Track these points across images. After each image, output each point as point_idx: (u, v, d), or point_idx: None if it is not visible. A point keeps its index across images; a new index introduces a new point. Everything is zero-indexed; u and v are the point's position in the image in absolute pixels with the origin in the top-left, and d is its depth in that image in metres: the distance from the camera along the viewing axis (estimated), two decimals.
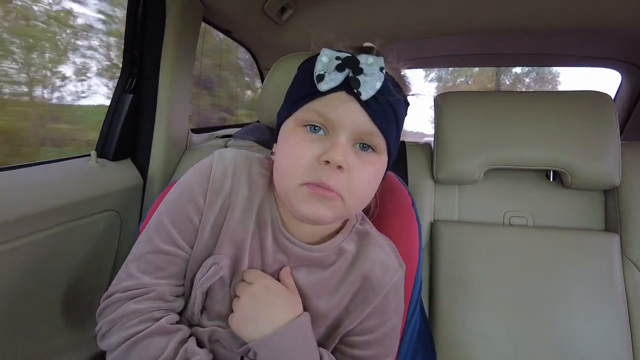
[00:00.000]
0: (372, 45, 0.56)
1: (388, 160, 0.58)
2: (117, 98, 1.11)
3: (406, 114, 0.59)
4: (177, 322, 0.59)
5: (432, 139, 1.13)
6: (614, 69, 1.80)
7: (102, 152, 1.10)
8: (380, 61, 0.51)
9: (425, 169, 1.12)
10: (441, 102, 1.09)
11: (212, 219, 0.58)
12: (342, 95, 0.51)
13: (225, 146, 1.32)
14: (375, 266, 0.60)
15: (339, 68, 0.50)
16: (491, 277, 0.99)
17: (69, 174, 0.95)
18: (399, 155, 1.13)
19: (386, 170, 0.60)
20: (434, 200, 1.11)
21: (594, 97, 1.02)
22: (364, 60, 0.50)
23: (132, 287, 0.56)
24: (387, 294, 0.60)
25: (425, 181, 1.11)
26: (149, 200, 1.15)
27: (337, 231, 0.63)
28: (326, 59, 0.51)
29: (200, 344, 0.58)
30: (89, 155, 1.03)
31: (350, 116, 0.51)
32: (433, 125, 1.12)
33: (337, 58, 0.51)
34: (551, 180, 1.08)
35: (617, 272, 0.95)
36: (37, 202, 0.82)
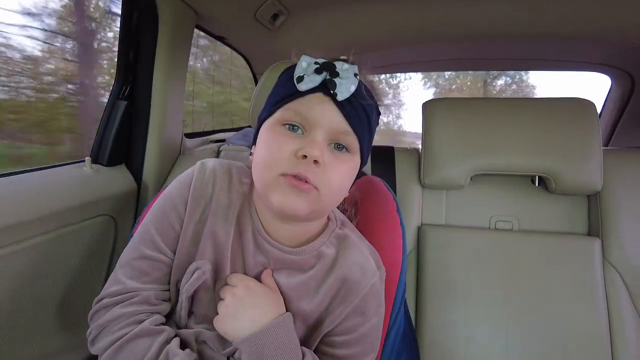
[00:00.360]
0: (347, 58, 0.60)
1: (360, 163, 0.62)
2: (111, 105, 1.14)
3: (377, 122, 0.63)
4: (165, 324, 0.61)
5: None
6: (604, 73, 1.83)
7: (96, 158, 1.12)
8: (355, 68, 0.55)
9: (413, 174, 1.14)
10: (428, 109, 1.12)
11: (193, 225, 0.61)
12: (319, 95, 0.55)
13: (219, 150, 1.34)
14: (354, 269, 0.62)
15: (317, 71, 0.55)
16: (477, 280, 1.02)
17: (64, 179, 0.97)
18: (387, 161, 1.16)
19: (359, 174, 0.63)
20: (421, 204, 1.13)
21: (578, 104, 1.04)
22: (340, 66, 0.55)
23: (119, 292, 0.59)
24: (366, 295, 0.62)
25: (413, 186, 1.14)
26: (143, 204, 1.17)
27: (317, 235, 0.65)
28: (305, 64, 0.56)
29: (187, 345, 0.61)
30: (84, 161, 1.06)
31: (326, 115, 0.55)
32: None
33: (316, 63, 0.55)
34: (536, 185, 1.11)
35: (598, 275, 0.98)
36: (33, 208, 0.84)
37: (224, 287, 0.60)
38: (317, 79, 0.54)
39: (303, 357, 0.57)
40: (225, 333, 0.57)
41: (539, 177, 1.09)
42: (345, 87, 0.54)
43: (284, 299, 0.61)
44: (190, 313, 0.63)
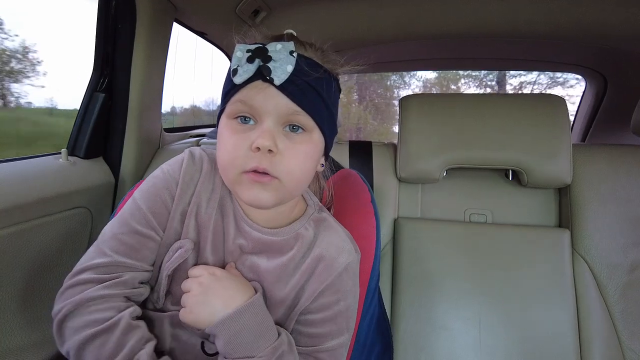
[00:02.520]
0: (290, 32, 0.60)
1: (326, 138, 0.61)
2: (88, 97, 1.13)
3: (337, 90, 0.62)
4: (142, 306, 0.61)
5: None
6: (578, 74, 1.88)
7: (73, 150, 1.11)
8: (289, 45, 0.54)
9: (389, 168, 1.16)
10: (405, 104, 1.14)
11: (182, 207, 0.62)
12: (258, 83, 0.54)
13: (198, 145, 1.35)
14: (330, 248, 0.64)
15: (249, 60, 0.54)
16: (451, 271, 1.04)
17: (39, 170, 0.96)
18: (365, 155, 1.18)
19: (328, 152, 0.64)
20: (397, 198, 1.15)
21: (549, 101, 1.08)
22: (273, 47, 0.54)
23: (104, 265, 0.57)
24: (341, 273, 0.63)
25: (389, 180, 1.16)
26: (120, 198, 1.16)
27: (295, 219, 0.66)
28: (240, 54, 0.55)
29: (162, 329, 0.61)
30: (60, 153, 1.05)
31: (270, 101, 0.54)
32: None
33: (248, 51, 0.54)
34: (510, 179, 1.14)
35: (567, 265, 1.01)
36: (6, 197, 0.83)
37: (185, 280, 0.60)
38: (251, 69, 0.54)
39: (278, 335, 0.58)
40: (196, 322, 0.57)
41: (512, 171, 1.12)
42: (281, 70, 0.53)
43: (262, 282, 0.62)
44: (167, 293, 0.63)
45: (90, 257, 0.58)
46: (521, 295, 1.00)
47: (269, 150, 0.54)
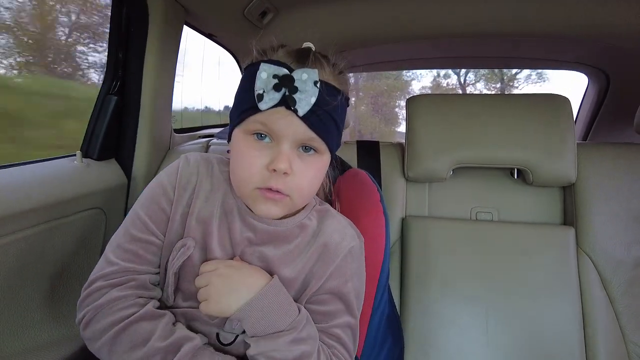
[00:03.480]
0: (310, 47, 0.63)
1: (332, 154, 0.66)
2: (101, 100, 1.15)
3: (346, 110, 0.66)
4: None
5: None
6: (580, 72, 1.89)
7: (87, 152, 1.13)
8: (314, 74, 0.57)
9: (397, 167, 1.19)
10: (412, 104, 1.16)
11: (181, 208, 0.66)
12: (281, 110, 0.57)
13: (208, 146, 1.37)
14: (334, 234, 0.69)
15: (276, 87, 0.56)
16: (459, 269, 1.06)
17: (55, 173, 0.99)
18: (373, 155, 1.20)
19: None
20: (405, 197, 1.18)
21: (554, 100, 1.09)
22: (299, 76, 0.56)
23: (114, 272, 0.61)
24: (346, 256, 0.68)
25: (397, 179, 1.18)
26: (133, 198, 1.18)
27: (299, 212, 0.70)
28: (265, 75, 0.57)
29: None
30: (75, 155, 1.07)
31: (290, 128, 0.58)
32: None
33: (275, 76, 0.57)
34: (515, 177, 1.16)
35: (572, 262, 1.03)
36: (23, 200, 0.85)
37: (199, 276, 0.62)
38: (277, 97, 0.56)
39: (299, 311, 0.61)
40: (222, 311, 0.59)
41: (518, 170, 1.14)
42: (306, 102, 0.56)
43: (270, 268, 0.65)
44: (177, 291, 0.66)
45: (101, 267, 0.62)
46: (527, 292, 1.03)
47: (284, 172, 0.58)
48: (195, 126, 1.77)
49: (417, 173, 1.13)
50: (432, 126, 1.12)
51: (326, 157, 0.64)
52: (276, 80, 0.56)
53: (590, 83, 1.91)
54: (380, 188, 0.90)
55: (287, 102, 0.56)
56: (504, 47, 1.72)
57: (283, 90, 0.56)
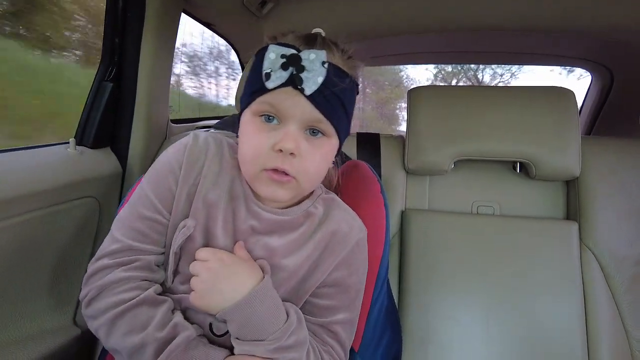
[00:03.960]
0: (319, 32, 0.63)
1: (340, 139, 0.64)
2: (96, 86, 1.13)
3: (356, 95, 0.65)
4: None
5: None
6: (584, 68, 1.87)
7: (81, 140, 1.11)
8: (322, 55, 0.56)
9: (397, 160, 1.16)
10: (413, 96, 1.14)
11: (187, 187, 0.64)
12: (289, 90, 0.56)
13: None
14: (342, 224, 0.68)
15: (284, 66, 0.56)
16: (459, 263, 1.04)
17: (48, 160, 0.97)
18: (373, 147, 1.18)
19: (339, 148, 0.66)
20: (405, 190, 1.16)
21: (558, 93, 1.07)
22: (306, 56, 0.56)
23: (119, 250, 0.60)
24: (353, 248, 0.67)
25: (397, 172, 1.16)
26: (128, 188, 1.17)
27: (305, 199, 0.69)
28: (273, 55, 0.56)
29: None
30: (68, 142, 1.05)
31: (298, 108, 0.57)
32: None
33: (282, 56, 0.56)
34: (517, 171, 1.14)
35: (575, 257, 1.01)
36: (15, 186, 0.84)
37: (193, 262, 0.61)
38: (284, 75, 0.56)
39: (287, 315, 0.60)
40: (207, 307, 0.58)
41: (520, 164, 1.12)
42: (313, 81, 0.56)
43: (274, 257, 0.64)
44: (176, 272, 0.64)
45: (107, 244, 0.62)
46: (529, 287, 1.01)
47: (291, 152, 0.57)
48: (192, 117, 1.75)
49: (417, 165, 1.11)
50: (434, 118, 1.10)
51: (334, 142, 0.63)
52: (284, 60, 0.56)
53: (594, 79, 1.89)
54: (380, 179, 0.88)
55: (294, 82, 0.55)
56: (508, 43, 1.70)
57: (290, 69, 0.56)
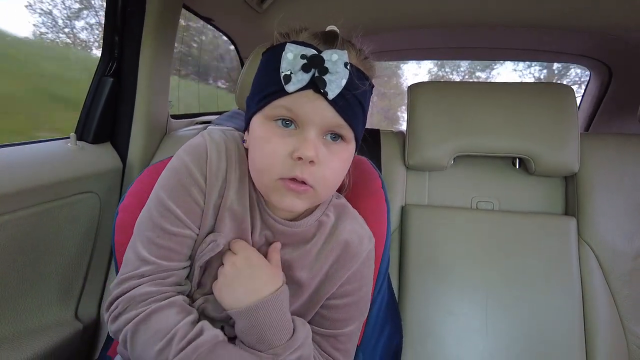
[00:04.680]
0: (335, 30, 0.58)
1: (357, 144, 0.61)
2: (97, 81, 1.12)
3: (371, 96, 0.61)
4: None
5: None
6: (583, 65, 1.87)
7: (81, 135, 1.11)
8: (344, 56, 0.52)
9: (397, 155, 1.17)
10: (413, 92, 1.14)
11: (214, 200, 0.60)
12: (309, 93, 0.53)
13: None
14: (353, 236, 0.65)
15: (305, 68, 0.52)
16: (458, 258, 1.05)
17: (48, 155, 0.97)
18: (373, 143, 1.18)
19: (355, 152, 0.63)
20: (405, 185, 1.16)
21: (557, 89, 1.08)
22: (329, 57, 0.52)
23: (150, 272, 0.57)
24: (364, 261, 0.65)
25: (397, 167, 1.16)
26: (128, 183, 1.16)
27: (316, 207, 0.66)
28: (292, 56, 0.52)
29: None
30: (69, 137, 1.05)
31: (318, 113, 0.53)
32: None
33: (303, 56, 0.52)
34: (517, 167, 1.14)
35: (574, 252, 1.02)
36: (16, 181, 0.84)
37: (227, 252, 0.60)
38: (306, 78, 0.52)
39: (294, 330, 0.58)
40: (221, 300, 0.58)
41: (519, 159, 1.13)
42: (336, 84, 0.52)
43: (287, 269, 0.62)
44: (199, 284, 0.63)
45: (134, 266, 0.57)
46: (527, 281, 1.02)
47: (311, 160, 0.53)
48: (191, 112, 1.75)
49: (417, 161, 1.12)
50: (434, 114, 1.11)
51: (352, 147, 0.60)
52: (304, 61, 0.52)
53: (593, 76, 1.89)
54: (382, 175, 0.89)
55: (317, 84, 0.51)
56: (505, 39, 1.70)
57: (312, 71, 0.51)
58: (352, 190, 0.81)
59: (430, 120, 1.11)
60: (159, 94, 1.23)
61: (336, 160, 0.57)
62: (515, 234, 1.05)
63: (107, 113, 1.13)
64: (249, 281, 0.57)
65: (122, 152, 1.18)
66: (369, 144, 1.18)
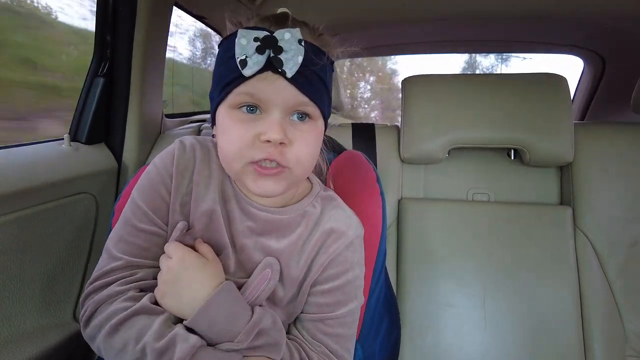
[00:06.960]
0: (286, 11, 0.58)
1: (325, 122, 0.61)
2: (89, 82, 1.12)
3: (332, 72, 0.61)
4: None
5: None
6: (576, 55, 1.88)
7: (75, 136, 1.11)
8: (297, 33, 0.52)
9: (393, 149, 1.17)
10: (408, 85, 1.14)
11: (180, 197, 0.61)
12: (268, 75, 0.52)
13: (200, 130, 1.34)
14: (339, 222, 0.65)
15: (259, 50, 0.51)
16: (455, 250, 1.06)
17: (43, 156, 0.96)
18: (368, 137, 1.18)
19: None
20: (401, 179, 1.16)
21: (551, 79, 1.08)
22: (281, 36, 0.52)
23: (118, 268, 0.57)
24: (349, 246, 0.64)
25: (392, 161, 1.16)
26: (123, 183, 1.16)
27: (302, 198, 0.66)
28: (245, 41, 0.52)
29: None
30: (62, 139, 1.04)
31: (280, 94, 0.53)
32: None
33: (256, 39, 0.52)
34: (512, 158, 1.15)
35: (570, 241, 1.02)
36: (11, 183, 0.83)
37: (162, 256, 0.59)
38: (262, 60, 0.51)
39: (252, 313, 0.56)
40: (169, 309, 0.55)
41: (514, 150, 1.13)
42: (293, 62, 0.51)
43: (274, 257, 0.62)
44: None
45: (105, 263, 0.58)
46: (524, 272, 1.02)
47: (281, 142, 0.53)
48: (185, 112, 1.74)
49: (412, 154, 1.12)
50: (428, 107, 1.11)
51: (320, 124, 0.60)
52: (258, 43, 0.51)
53: (586, 66, 1.90)
54: (376, 168, 0.89)
55: (274, 65, 0.51)
56: (499, 31, 1.70)
57: (267, 52, 0.51)
58: (347, 184, 0.81)
59: (425, 113, 1.11)
60: (152, 93, 1.23)
61: (307, 138, 0.57)
62: (512, 225, 1.06)
63: (101, 113, 1.13)
64: (189, 284, 0.55)
65: (117, 153, 1.18)
66: (364, 138, 1.19)
